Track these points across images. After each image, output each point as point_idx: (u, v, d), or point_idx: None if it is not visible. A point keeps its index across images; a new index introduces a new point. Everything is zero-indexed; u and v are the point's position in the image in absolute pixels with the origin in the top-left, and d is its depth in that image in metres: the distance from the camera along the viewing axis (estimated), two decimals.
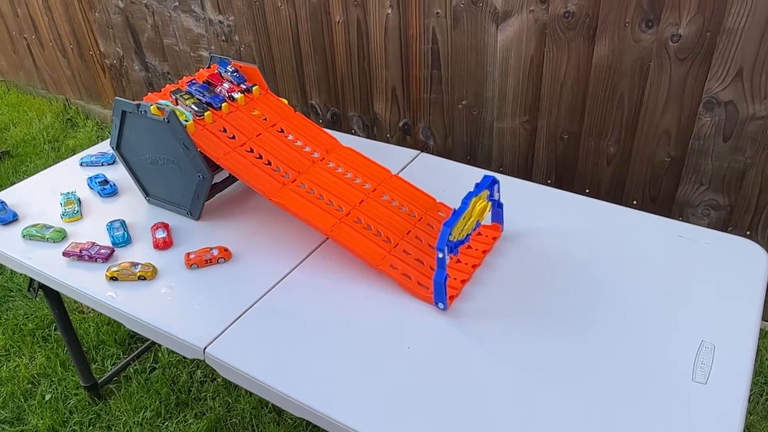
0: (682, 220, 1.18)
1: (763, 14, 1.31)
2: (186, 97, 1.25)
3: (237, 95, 1.29)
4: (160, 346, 1.77)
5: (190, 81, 1.30)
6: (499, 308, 1.00)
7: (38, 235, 1.22)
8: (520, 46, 1.64)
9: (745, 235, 1.14)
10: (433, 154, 1.46)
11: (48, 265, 1.17)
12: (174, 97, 1.25)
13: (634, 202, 1.68)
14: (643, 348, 0.91)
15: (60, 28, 2.91)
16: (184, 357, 1.73)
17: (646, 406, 0.82)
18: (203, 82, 1.31)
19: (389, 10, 1.81)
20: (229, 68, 1.34)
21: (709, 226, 1.58)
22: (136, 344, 1.80)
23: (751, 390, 1.57)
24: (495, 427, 0.81)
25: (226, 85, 1.31)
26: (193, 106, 1.22)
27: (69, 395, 1.65)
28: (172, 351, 1.74)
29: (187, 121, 1.19)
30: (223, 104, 1.27)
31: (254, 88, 1.33)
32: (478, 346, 0.93)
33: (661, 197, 1.64)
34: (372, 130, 2.10)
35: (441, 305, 0.99)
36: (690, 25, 1.40)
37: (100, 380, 1.64)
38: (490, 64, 1.72)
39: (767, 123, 1.42)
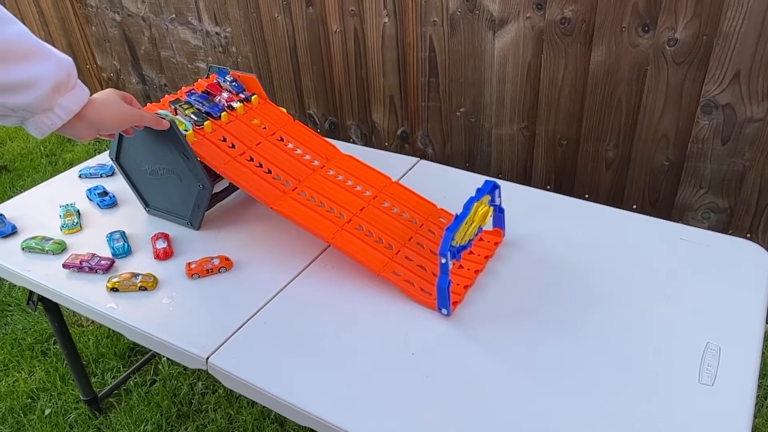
0: (683, 224, 1.18)
1: (758, 17, 1.32)
2: (185, 107, 1.25)
3: (236, 104, 1.29)
4: (160, 358, 1.76)
5: (189, 91, 1.30)
6: (503, 313, 0.99)
7: (38, 247, 1.21)
8: (517, 52, 1.65)
9: (745, 238, 1.14)
10: (432, 161, 1.46)
11: (48, 277, 1.16)
12: (173, 107, 1.25)
13: (634, 207, 1.68)
14: (649, 351, 0.90)
15: (56, 42, 2.92)
16: (184, 368, 1.72)
17: (654, 409, 0.82)
18: (202, 92, 1.31)
19: (386, 19, 1.82)
20: (227, 78, 1.34)
21: (710, 229, 1.57)
22: (136, 357, 1.79)
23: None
24: (501, 431, 0.80)
25: (225, 95, 1.31)
26: (192, 116, 1.22)
27: (69, 409, 1.64)
28: (172, 363, 1.73)
29: (186, 130, 1.18)
30: (223, 114, 1.26)
31: (253, 97, 1.33)
32: (483, 351, 0.92)
33: (660, 201, 1.65)
34: (370, 139, 2.10)
35: (444, 311, 0.99)
36: (686, 29, 1.40)
37: (100, 394, 1.63)
38: (487, 71, 1.72)
39: (765, 125, 1.42)
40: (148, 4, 2.40)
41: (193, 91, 1.30)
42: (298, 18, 2.00)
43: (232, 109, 1.29)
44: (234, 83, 1.34)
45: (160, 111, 1.21)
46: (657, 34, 1.44)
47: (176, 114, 1.23)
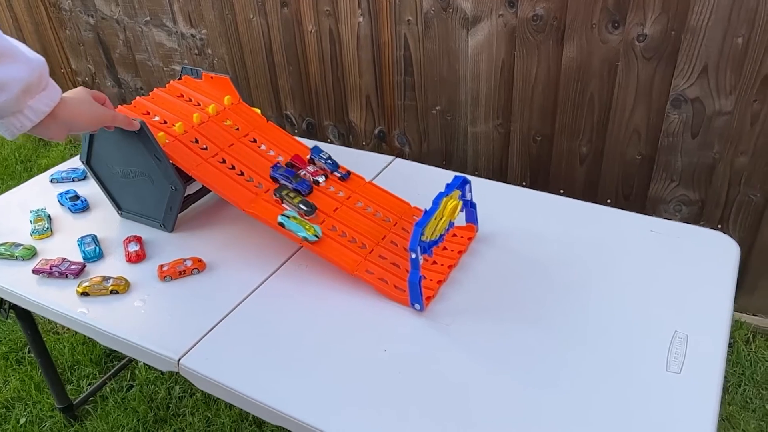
0: (656, 217, 1.19)
1: (725, 11, 1.34)
2: (288, 192, 1.17)
3: (321, 179, 1.22)
4: (137, 363, 1.74)
5: (275, 165, 1.23)
6: (476, 307, 1.00)
7: (7, 253, 1.20)
8: (490, 50, 1.66)
9: (716, 229, 1.16)
10: (409, 160, 1.46)
11: (17, 283, 1.14)
12: (277, 195, 1.16)
13: (608, 201, 1.70)
14: (618, 340, 0.91)
15: (30, 47, 2.88)
16: (161, 373, 1.70)
17: (622, 397, 0.82)
18: (286, 165, 1.24)
19: (360, 19, 1.82)
20: (322, 155, 1.27)
21: (682, 221, 1.59)
22: (112, 363, 1.77)
23: (729, 381, 1.59)
24: (473, 425, 0.80)
25: (311, 168, 1.24)
26: (301, 206, 1.14)
27: (44, 418, 1.62)
28: (149, 368, 1.72)
29: (296, 219, 1.11)
30: (195, 114, 1.26)
31: (349, 175, 1.26)
32: (456, 345, 0.93)
33: (634, 195, 1.66)
34: (348, 139, 2.10)
35: (417, 306, 0.99)
36: (655, 24, 1.42)
37: (76, 401, 1.61)
38: (462, 69, 1.73)
39: (733, 118, 1.45)
40: (122, 6, 2.38)
41: (278, 165, 1.23)
42: (273, 19, 2.00)
43: (318, 183, 1.22)
44: (329, 161, 1.26)
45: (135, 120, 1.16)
46: (626, 30, 1.46)
47: (282, 202, 1.15)
